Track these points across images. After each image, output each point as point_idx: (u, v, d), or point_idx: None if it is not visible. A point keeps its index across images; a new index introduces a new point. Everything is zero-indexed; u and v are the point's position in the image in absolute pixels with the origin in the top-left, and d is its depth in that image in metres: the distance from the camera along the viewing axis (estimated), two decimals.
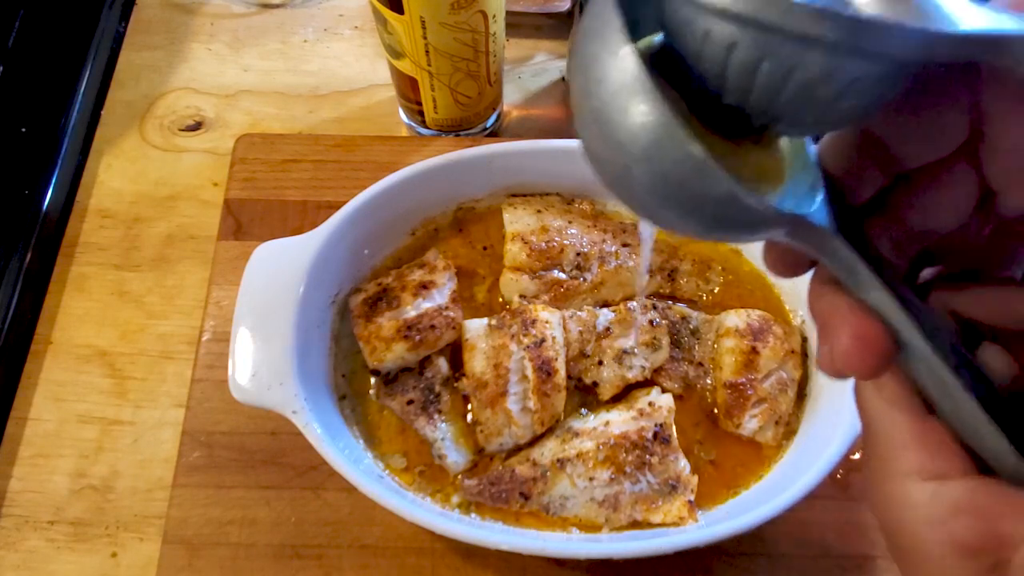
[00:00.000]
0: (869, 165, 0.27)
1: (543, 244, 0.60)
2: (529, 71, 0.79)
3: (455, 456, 0.55)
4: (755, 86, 0.22)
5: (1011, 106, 0.25)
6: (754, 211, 0.23)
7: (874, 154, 0.27)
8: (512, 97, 0.77)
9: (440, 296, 0.58)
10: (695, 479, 0.53)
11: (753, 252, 0.62)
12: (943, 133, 0.26)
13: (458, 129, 0.71)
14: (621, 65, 0.22)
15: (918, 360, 0.26)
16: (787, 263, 0.29)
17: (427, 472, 0.55)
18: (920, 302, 0.27)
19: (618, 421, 0.54)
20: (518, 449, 0.55)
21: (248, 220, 0.66)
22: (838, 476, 0.57)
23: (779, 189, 0.26)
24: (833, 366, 0.26)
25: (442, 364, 0.57)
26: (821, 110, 0.23)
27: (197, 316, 0.63)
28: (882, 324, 0.25)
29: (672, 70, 0.24)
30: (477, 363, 0.55)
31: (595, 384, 0.57)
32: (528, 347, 0.55)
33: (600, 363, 0.57)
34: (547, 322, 0.56)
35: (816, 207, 0.26)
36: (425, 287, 0.58)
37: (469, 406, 0.56)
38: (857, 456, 0.58)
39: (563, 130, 0.75)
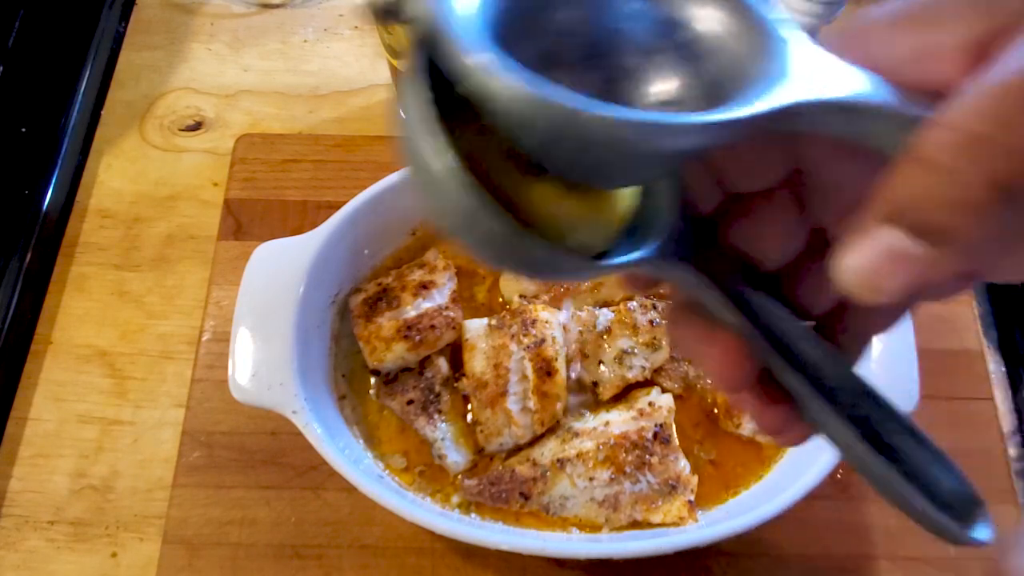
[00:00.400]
0: (707, 177, 0.26)
1: None
2: None
3: (455, 456, 0.55)
4: (553, 161, 0.21)
5: (827, 153, 0.24)
6: (583, 266, 0.23)
7: (709, 169, 0.26)
8: None
9: (440, 296, 0.58)
10: (695, 479, 0.53)
11: None
12: (761, 166, 0.26)
13: None
14: (430, 154, 0.21)
15: (779, 373, 0.26)
16: (637, 284, 0.29)
17: (427, 472, 0.55)
18: (780, 309, 0.26)
19: (618, 421, 0.54)
20: (518, 449, 0.55)
21: (248, 220, 0.66)
22: (838, 476, 0.57)
23: (621, 218, 0.25)
24: (719, 383, 0.26)
25: (442, 364, 0.57)
26: (626, 177, 0.23)
27: (197, 316, 0.63)
28: (740, 338, 0.26)
29: None
30: (477, 363, 0.55)
31: (595, 384, 0.57)
32: (528, 347, 0.55)
33: (600, 363, 0.57)
34: (547, 322, 0.56)
35: (660, 232, 0.25)
36: (425, 287, 0.58)
37: (469, 406, 0.56)
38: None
39: None
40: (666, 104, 0.24)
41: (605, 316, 0.58)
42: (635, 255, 0.24)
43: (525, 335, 0.55)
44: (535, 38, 0.22)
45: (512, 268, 0.23)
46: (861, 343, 0.28)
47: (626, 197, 0.25)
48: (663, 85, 0.24)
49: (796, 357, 0.26)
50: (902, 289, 0.20)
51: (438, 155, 0.21)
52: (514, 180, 0.23)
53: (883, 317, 0.27)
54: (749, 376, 0.26)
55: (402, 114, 0.21)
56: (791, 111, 0.20)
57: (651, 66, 0.24)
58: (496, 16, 0.21)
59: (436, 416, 0.56)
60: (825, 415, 0.25)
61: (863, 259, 0.20)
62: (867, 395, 0.26)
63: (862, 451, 0.25)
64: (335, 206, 0.57)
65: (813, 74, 0.21)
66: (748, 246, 0.26)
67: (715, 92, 0.23)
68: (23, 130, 0.72)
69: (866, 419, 0.25)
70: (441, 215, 0.22)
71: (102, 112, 0.76)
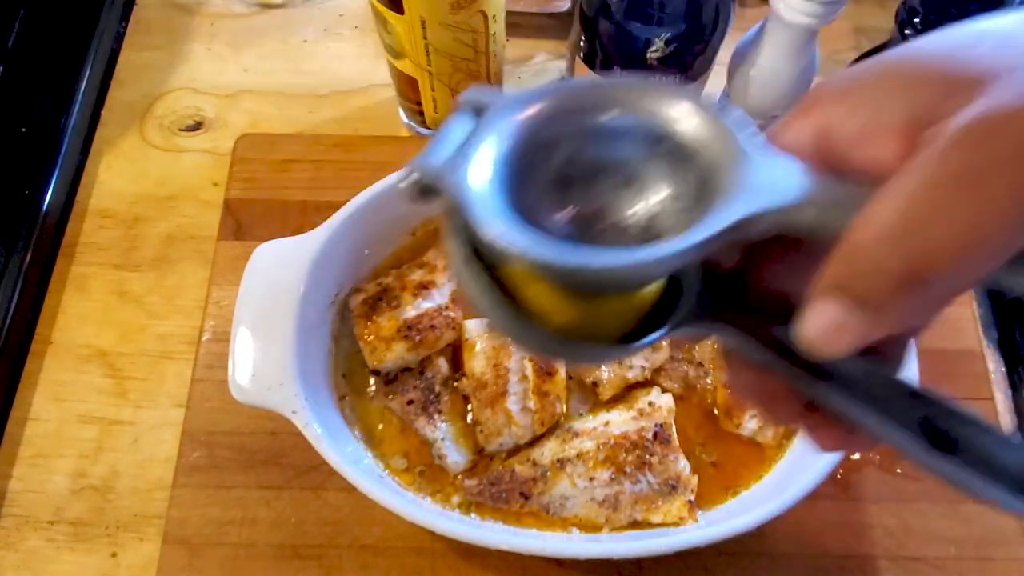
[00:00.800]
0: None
1: None
2: (529, 71, 0.79)
3: (455, 456, 0.55)
4: (568, 287, 0.27)
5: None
6: (615, 352, 0.29)
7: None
8: None
9: (440, 296, 0.58)
10: (695, 479, 0.53)
11: None
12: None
13: None
14: (474, 294, 0.27)
15: (825, 401, 0.28)
16: (682, 343, 0.33)
17: (427, 472, 0.55)
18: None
19: (618, 421, 0.54)
20: (518, 449, 0.55)
21: (248, 220, 0.66)
22: (838, 476, 0.57)
23: (650, 300, 0.29)
24: (768, 419, 0.30)
25: (442, 364, 0.57)
26: (633, 288, 0.28)
27: (197, 316, 0.63)
28: (779, 375, 0.29)
29: None
30: (477, 363, 0.55)
31: (595, 384, 0.57)
32: None
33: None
34: None
35: (687, 301, 0.30)
36: (425, 287, 0.58)
37: (469, 406, 0.56)
38: (857, 456, 0.58)
39: None
40: (663, 204, 0.28)
41: None
42: (661, 332, 0.29)
43: None
44: (544, 174, 0.28)
45: (559, 360, 0.31)
46: (901, 350, 0.30)
47: (650, 287, 0.29)
48: (659, 190, 0.28)
49: (840, 381, 0.28)
50: (848, 347, 0.24)
51: (479, 295, 0.27)
52: (547, 294, 0.28)
53: (915, 324, 0.30)
54: (795, 407, 0.29)
55: (450, 257, 0.27)
56: (748, 220, 0.24)
57: (647, 174, 0.28)
58: (505, 172, 0.27)
59: (436, 416, 0.56)
60: (879, 426, 0.27)
61: (814, 327, 0.25)
62: (919, 397, 0.28)
63: (921, 452, 0.27)
64: (335, 206, 0.57)
65: (765, 183, 0.25)
66: (774, 281, 0.29)
67: (700, 189, 0.26)
68: (23, 130, 0.72)
69: (924, 418, 0.28)
70: (491, 327, 0.30)
71: (102, 112, 0.76)
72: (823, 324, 0.24)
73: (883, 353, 0.29)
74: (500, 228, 0.25)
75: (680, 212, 0.27)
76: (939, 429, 0.28)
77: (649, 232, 0.28)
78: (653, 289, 0.29)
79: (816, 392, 0.28)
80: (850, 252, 0.23)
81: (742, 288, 0.30)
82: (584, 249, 0.25)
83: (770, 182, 0.25)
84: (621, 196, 0.29)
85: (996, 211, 0.21)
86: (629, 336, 0.29)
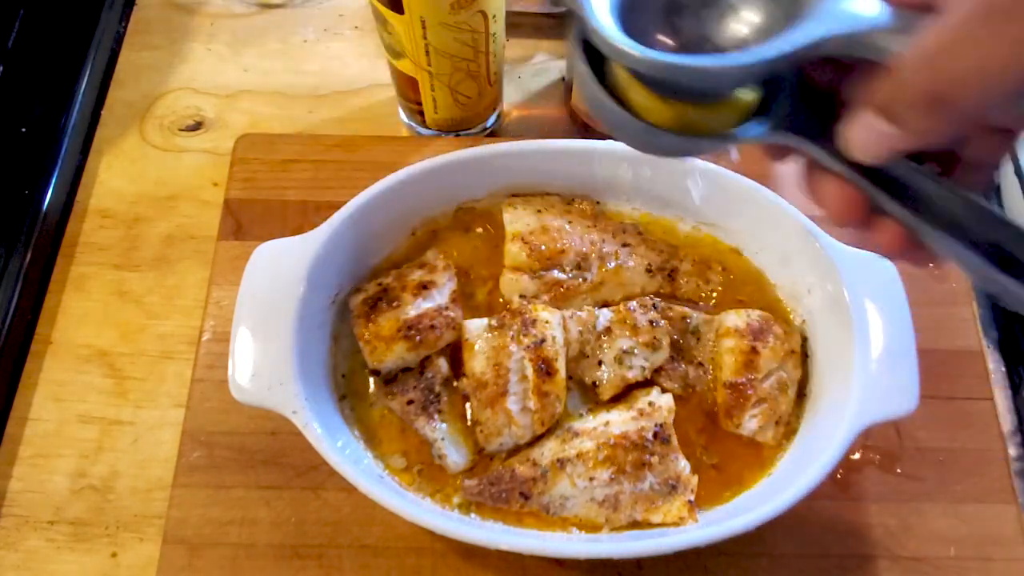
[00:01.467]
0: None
1: (543, 244, 0.60)
2: (529, 71, 0.79)
3: (455, 456, 0.55)
4: (672, 90, 0.33)
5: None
6: (704, 145, 0.35)
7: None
8: (512, 97, 0.77)
9: (440, 296, 0.58)
10: (695, 479, 0.53)
11: (753, 251, 0.62)
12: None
13: (458, 129, 0.71)
14: (593, 96, 0.34)
15: (891, 209, 0.33)
16: (771, 153, 0.38)
17: (427, 472, 0.55)
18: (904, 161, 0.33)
19: (618, 421, 0.54)
20: (518, 449, 0.55)
21: (248, 220, 0.66)
22: (838, 476, 0.57)
23: (745, 107, 0.34)
24: (835, 222, 0.36)
25: (442, 364, 0.57)
26: (721, 92, 0.34)
27: (197, 316, 0.63)
28: (853, 187, 0.34)
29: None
30: (477, 363, 0.55)
31: (595, 384, 0.57)
32: (528, 347, 0.55)
33: (600, 363, 0.57)
34: (547, 322, 0.56)
35: (779, 112, 0.35)
36: (425, 287, 0.58)
37: (469, 406, 0.56)
38: (857, 456, 0.58)
39: (563, 130, 0.75)
40: (757, 28, 0.33)
41: (605, 316, 0.58)
42: (749, 131, 0.34)
43: (525, 335, 0.55)
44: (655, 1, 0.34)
45: (654, 152, 0.35)
46: (981, 174, 0.34)
47: (745, 93, 0.34)
48: (754, 15, 0.34)
49: (911, 195, 0.32)
50: (883, 153, 0.30)
51: (597, 96, 0.34)
52: (655, 99, 0.33)
53: (991, 147, 0.34)
54: (858, 212, 0.34)
55: (575, 71, 0.34)
56: (823, 41, 0.30)
57: (745, 3, 0.34)
58: None
59: (436, 416, 0.56)
60: (945, 242, 0.31)
61: (857, 134, 0.31)
62: (997, 222, 0.31)
63: (986, 270, 0.30)
64: (335, 206, 0.57)
65: (845, 10, 0.30)
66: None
67: (790, 15, 0.31)
68: (23, 130, 0.72)
69: (996, 244, 0.31)
70: (607, 126, 0.35)
71: (102, 112, 0.76)
72: (864, 134, 0.30)
73: (962, 176, 0.33)
74: (617, 34, 0.31)
75: (771, 34, 0.32)
76: (1008, 252, 0.30)
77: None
78: (747, 100, 0.34)
79: (892, 207, 0.32)
80: (891, 73, 0.28)
81: (836, 106, 0.34)
82: (682, 54, 0.30)
83: (849, 10, 0.30)
84: (721, 21, 0.34)
85: (1017, 47, 0.24)
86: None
